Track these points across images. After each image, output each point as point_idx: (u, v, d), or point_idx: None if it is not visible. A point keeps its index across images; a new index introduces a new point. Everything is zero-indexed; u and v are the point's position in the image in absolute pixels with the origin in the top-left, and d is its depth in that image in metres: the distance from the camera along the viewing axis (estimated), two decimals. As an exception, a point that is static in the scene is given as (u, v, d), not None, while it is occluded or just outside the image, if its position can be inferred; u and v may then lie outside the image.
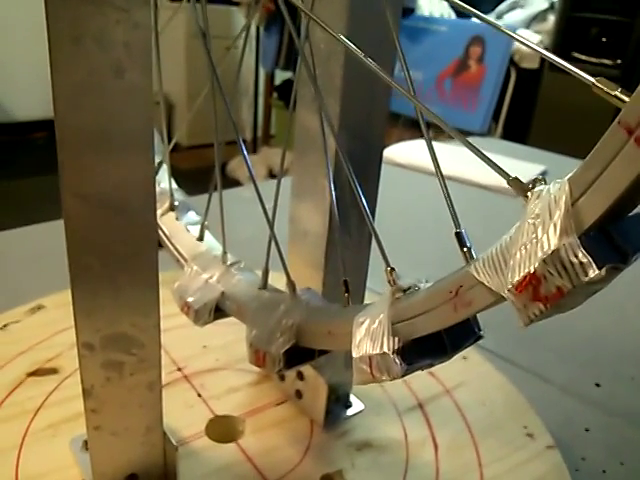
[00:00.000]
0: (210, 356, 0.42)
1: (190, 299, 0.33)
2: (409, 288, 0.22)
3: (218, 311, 0.33)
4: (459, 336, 0.21)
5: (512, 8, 2.39)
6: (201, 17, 0.30)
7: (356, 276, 0.33)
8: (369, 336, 0.22)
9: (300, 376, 0.37)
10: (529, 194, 0.16)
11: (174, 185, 0.40)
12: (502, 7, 2.45)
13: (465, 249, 0.19)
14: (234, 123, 0.30)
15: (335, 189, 0.29)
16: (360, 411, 0.38)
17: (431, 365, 0.22)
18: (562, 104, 2.10)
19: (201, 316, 0.33)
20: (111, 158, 0.21)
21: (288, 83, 2.96)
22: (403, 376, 0.21)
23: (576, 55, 2.15)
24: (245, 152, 0.31)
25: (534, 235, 0.15)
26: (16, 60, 3.55)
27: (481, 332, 0.21)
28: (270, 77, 3.00)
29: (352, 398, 0.39)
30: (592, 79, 0.15)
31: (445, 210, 0.20)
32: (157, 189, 0.38)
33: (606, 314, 0.58)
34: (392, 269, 0.23)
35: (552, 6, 2.32)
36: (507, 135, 2.20)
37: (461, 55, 2.26)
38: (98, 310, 0.24)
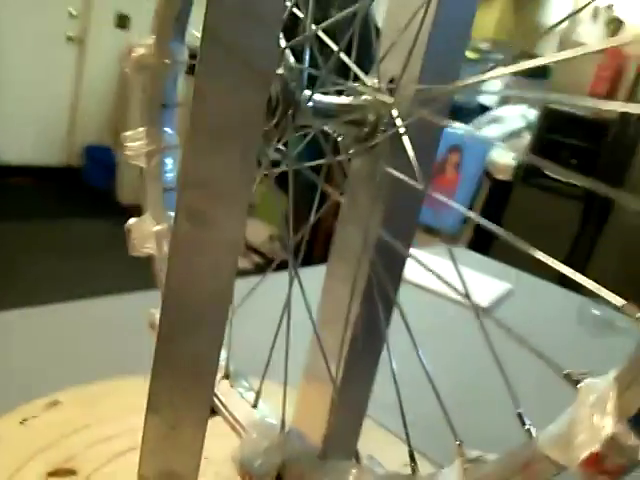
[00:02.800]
0: None
1: (251, 467, 0.33)
2: (476, 459, 0.24)
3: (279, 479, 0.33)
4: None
5: (490, 122, 2.59)
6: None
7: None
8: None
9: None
10: (580, 385, 0.21)
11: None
12: (481, 120, 2.65)
13: (526, 427, 0.23)
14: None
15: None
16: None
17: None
18: (530, 218, 2.24)
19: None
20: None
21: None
22: None
23: (547, 173, 2.32)
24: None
25: (593, 421, 0.19)
26: (8, 102, 3.59)
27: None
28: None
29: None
30: (620, 302, 0.19)
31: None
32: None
33: None
34: (460, 442, 0.25)
35: (528, 126, 2.52)
36: (476, 239, 2.32)
37: (439, 160, 2.42)
38: (160, 450, 0.28)
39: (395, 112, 0.35)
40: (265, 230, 3.06)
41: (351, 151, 0.37)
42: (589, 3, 0.30)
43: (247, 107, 0.30)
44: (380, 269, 0.35)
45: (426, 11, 0.33)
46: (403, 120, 0.34)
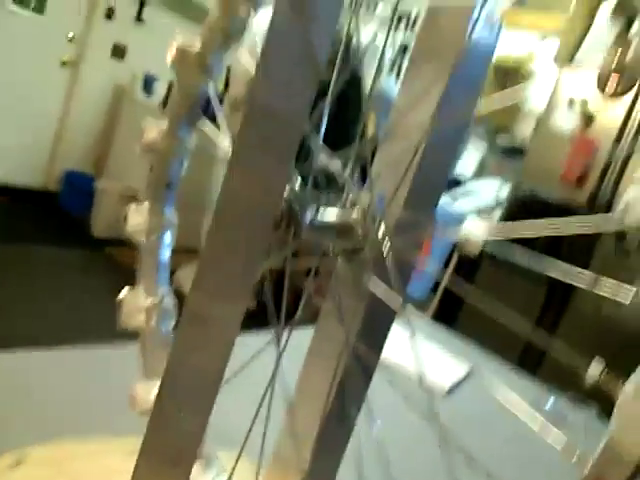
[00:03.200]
0: None
1: None
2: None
3: None
4: None
5: (465, 195, 2.69)
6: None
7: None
8: None
9: None
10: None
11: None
12: (456, 192, 2.75)
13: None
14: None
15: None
16: None
17: None
18: (495, 295, 2.30)
19: None
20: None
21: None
22: None
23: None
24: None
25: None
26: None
27: None
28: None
29: None
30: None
31: None
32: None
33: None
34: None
35: (500, 203, 2.63)
36: (441, 310, 2.38)
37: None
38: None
39: (381, 230, 0.40)
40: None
41: (339, 258, 0.42)
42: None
43: (257, 225, 0.34)
44: (355, 365, 0.39)
45: (415, 153, 0.38)
46: (387, 239, 0.39)
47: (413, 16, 2.53)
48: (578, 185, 2.33)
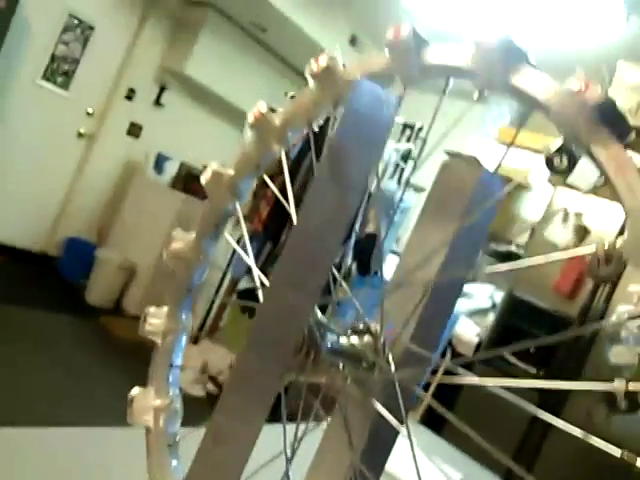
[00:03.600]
0: None
1: None
2: None
3: None
4: None
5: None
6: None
7: None
8: None
9: None
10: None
11: None
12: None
13: None
14: None
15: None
16: None
17: None
18: (485, 400, 2.29)
19: None
20: None
21: (249, 291, 3.15)
22: None
23: (505, 355, 2.43)
24: None
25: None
26: (7, 181, 3.68)
27: None
28: (235, 281, 3.21)
29: None
30: (618, 452, 0.25)
31: None
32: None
33: None
34: None
35: (494, 306, 2.68)
36: (431, 413, 2.35)
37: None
38: None
39: (390, 358, 0.44)
40: (227, 357, 3.04)
41: (348, 381, 0.46)
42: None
43: (282, 346, 0.38)
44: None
45: (423, 296, 0.43)
46: (394, 367, 0.43)
47: (417, 127, 2.71)
48: (570, 297, 2.38)
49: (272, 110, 0.48)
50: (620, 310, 1.39)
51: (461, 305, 2.66)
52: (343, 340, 0.44)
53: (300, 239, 0.37)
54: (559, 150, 0.35)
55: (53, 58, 3.72)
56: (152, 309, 0.55)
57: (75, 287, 3.81)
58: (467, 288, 2.79)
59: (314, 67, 0.43)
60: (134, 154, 4.27)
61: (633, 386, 0.28)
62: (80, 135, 4.05)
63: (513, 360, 2.39)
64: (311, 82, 0.44)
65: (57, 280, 3.87)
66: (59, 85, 3.81)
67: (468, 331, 2.48)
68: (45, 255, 4.06)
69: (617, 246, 0.30)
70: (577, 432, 0.31)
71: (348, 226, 0.38)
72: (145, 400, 0.53)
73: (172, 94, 4.34)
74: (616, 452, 0.27)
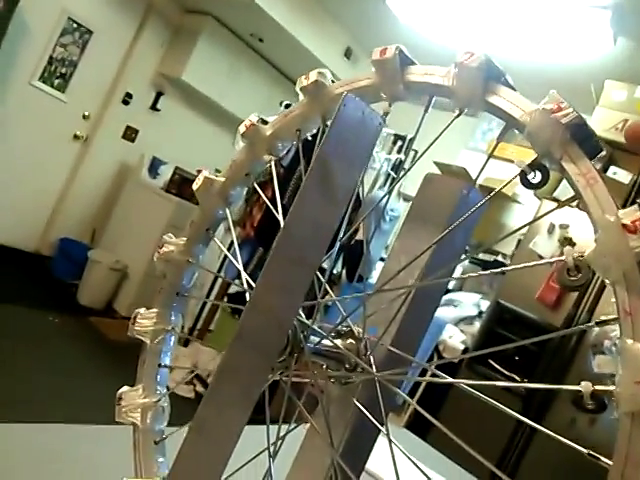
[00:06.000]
0: None
1: None
2: None
3: None
4: None
5: (446, 304, 2.78)
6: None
7: None
8: None
9: None
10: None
11: None
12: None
13: None
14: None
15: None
16: None
17: None
18: (471, 404, 2.31)
19: None
20: None
21: (240, 294, 3.17)
22: None
23: (491, 362, 2.46)
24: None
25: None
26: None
27: None
28: (226, 285, 3.23)
29: None
30: (585, 451, 0.27)
31: None
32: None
33: None
34: None
35: (480, 314, 2.72)
36: (417, 416, 2.38)
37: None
38: None
39: (371, 360, 0.46)
40: (216, 359, 3.04)
41: (332, 380, 0.48)
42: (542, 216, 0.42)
43: (267, 346, 0.41)
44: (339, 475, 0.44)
45: (404, 301, 0.46)
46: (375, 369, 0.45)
47: (408, 138, 2.75)
48: (554, 307, 2.42)
49: (263, 121, 0.50)
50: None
51: (448, 313, 2.69)
52: (326, 342, 0.46)
53: (286, 244, 0.39)
54: (532, 165, 0.37)
55: (51, 60, 3.73)
56: (142, 310, 0.57)
57: (67, 287, 3.81)
58: (454, 296, 2.82)
59: (304, 81, 0.45)
60: (129, 157, 4.29)
61: (599, 387, 0.30)
62: (76, 137, 4.06)
63: (498, 368, 2.42)
64: (301, 96, 0.47)
65: (50, 280, 3.87)
66: (56, 87, 3.82)
67: (454, 338, 2.51)
68: (38, 255, 4.06)
69: (585, 256, 0.32)
70: (546, 431, 0.33)
71: (333, 234, 0.41)
72: (133, 398, 0.54)
73: (168, 99, 4.36)
74: (583, 450, 0.29)
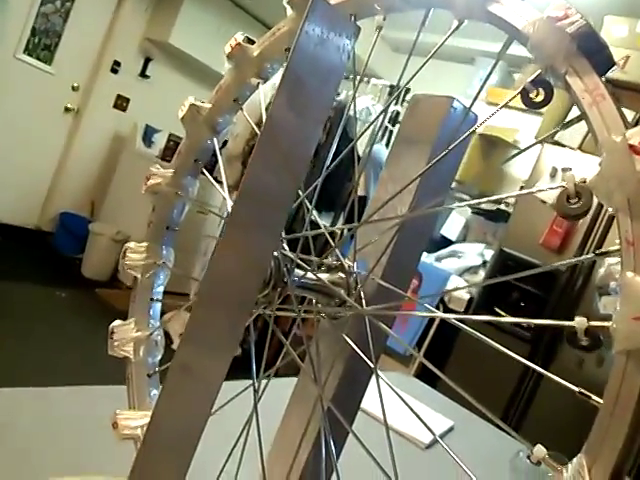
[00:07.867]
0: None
1: None
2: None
3: None
4: None
5: (450, 256, 2.77)
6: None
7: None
8: None
9: None
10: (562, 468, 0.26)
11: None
12: (442, 253, 2.83)
13: None
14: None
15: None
16: None
17: None
18: (478, 352, 2.33)
19: None
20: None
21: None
22: None
23: (497, 309, 2.46)
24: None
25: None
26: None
27: None
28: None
29: None
30: (576, 389, 0.26)
31: None
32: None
33: None
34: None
35: (484, 263, 2.70)
36: (425, 366, 2.40)
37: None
38: None
39: (362, 294, 0.44)
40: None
41: (321, 315, 0.46)
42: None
43: (245, 281, 0.38)
44: (332, 420, 0.43)
45: (397, 232, 0.43)
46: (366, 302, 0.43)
47: (403, 86, 2.67)
48: (559, 251, 2.40)
49: (250, 41, 0.47)
50: (609, 262, 1.40)
51: (452, 264, 2.68)
52: (311, 275, 0.44)
53: (260, 170, 0.36)
54: (535, 82, 0.33)
55: (34, 31, 3.64)
56: (132, 244, 0.55)
57: (70, 260, 3.81)
58: (458, 247, 2.81)
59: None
60: (122, 127, 4.22)
61: (594, 323, 0.28)
62: (67, 110, 4.00)
63: (503, 313, 2.42)
64: (289, 10, 0.43)
65: (53, 255, 3.87)
66: (42, 60, 3.74)
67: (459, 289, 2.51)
68: (40, 231, 4.05)
69: (587, 181, 0.29)
70: (541, 370, 0.31)
71: (311, 153, 0.38)
72: (125, 332, 0.52)
73: (157, 65, 4.27)
74: (574, 389, 0.28)
